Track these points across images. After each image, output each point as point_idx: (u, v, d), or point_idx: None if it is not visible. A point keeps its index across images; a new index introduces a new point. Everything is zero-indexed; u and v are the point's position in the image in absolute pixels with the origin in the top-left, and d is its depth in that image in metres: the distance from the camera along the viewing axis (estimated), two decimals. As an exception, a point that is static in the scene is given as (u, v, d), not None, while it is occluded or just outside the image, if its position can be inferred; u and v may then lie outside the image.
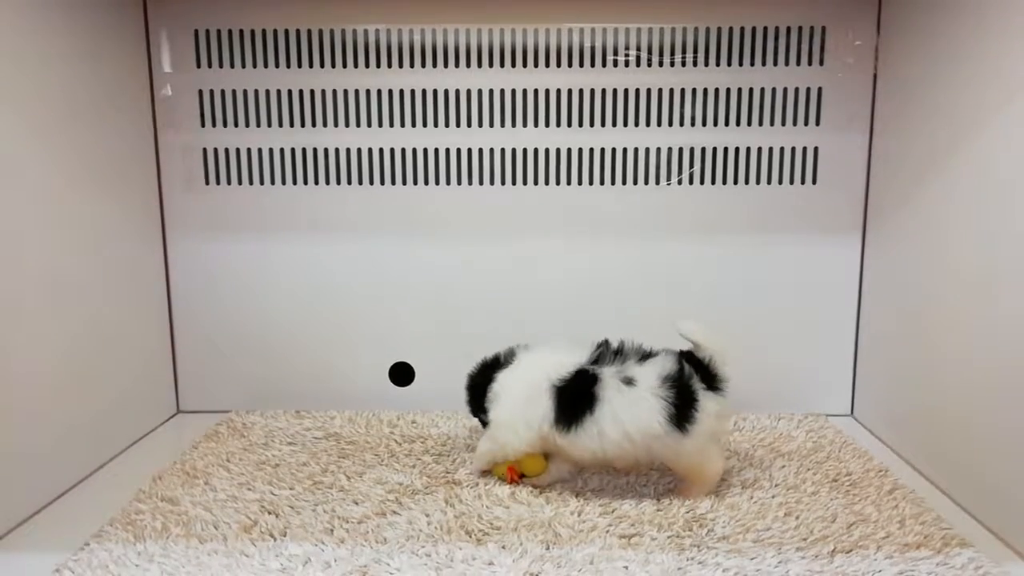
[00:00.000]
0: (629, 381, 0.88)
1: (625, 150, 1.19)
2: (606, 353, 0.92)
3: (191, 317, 1.24)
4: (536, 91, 1.17)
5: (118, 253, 1.09)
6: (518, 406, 0.92)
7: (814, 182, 1.19)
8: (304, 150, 1.19)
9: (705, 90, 1.17)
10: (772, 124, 1.17)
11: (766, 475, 0.97)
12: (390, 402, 1.25)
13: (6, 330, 0.84)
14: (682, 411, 0.87)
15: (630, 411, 0.86)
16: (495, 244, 1.22)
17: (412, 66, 1.17)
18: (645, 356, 0.91)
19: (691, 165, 1.19)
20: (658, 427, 0.86)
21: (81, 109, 1.00)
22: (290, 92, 1.17)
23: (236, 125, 1.19)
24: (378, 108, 1.18)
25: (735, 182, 1.19)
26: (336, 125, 1.19)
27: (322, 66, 1.17)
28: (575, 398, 0.88)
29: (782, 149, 1.18)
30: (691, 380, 0.89)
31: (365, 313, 1.24)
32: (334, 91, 1.18)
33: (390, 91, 1.17)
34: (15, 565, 0.78)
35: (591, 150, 1.19)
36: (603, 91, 1.17)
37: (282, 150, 1.19)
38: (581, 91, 1.17)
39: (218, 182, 1.20)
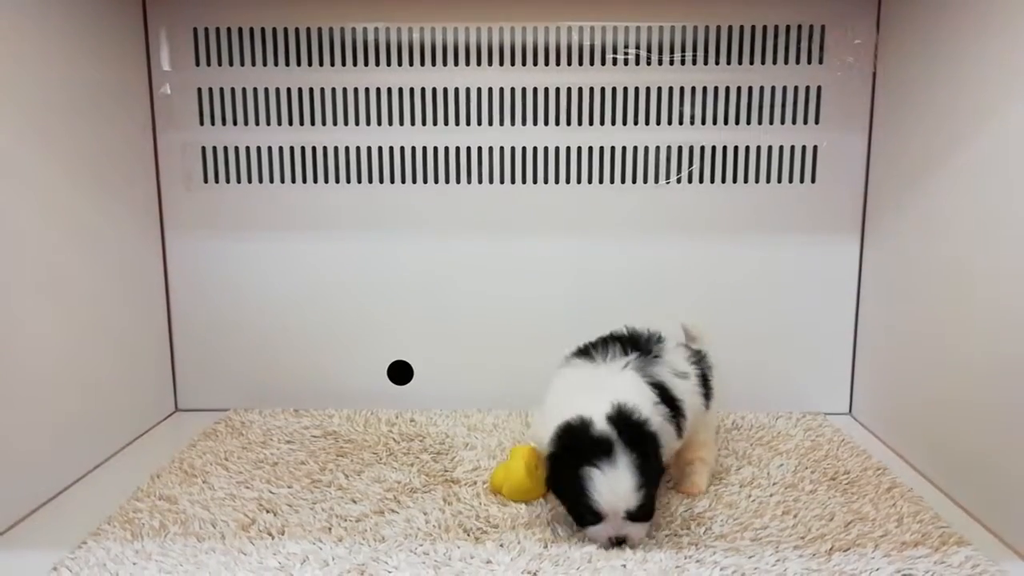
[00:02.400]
0: (683, 375, 0.90)
1: (624, 148, 1.19)
2: (640, 350, 0.89)
3: (189, 315, 1.24)
4: (535, 89, 1.17)
5: (116, 251, 1.09)
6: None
7: (813, 180, 1.19)
8: (303, 148, 1.19)
9: (704, 88, 1.17)
10: (771, 123, 1.17)
11: (764, 473, 0.98)
12: (389, 401, 1.25)
13: (4, 328, 0.84)
14: (707, 386, 0.94)
15: (691, 401, 0.89)
16: (495, 242, 1.22)
17: (411, 64, 1.17)
18: (657, 341, 0.93)
19: (690, 164, 1.19)
20: (703, 407, 0.93)
21: (80, 107, 0.99)
22: (289, 90, 1.17)
23: (235, 123, 1.19)
24: (377, 106, 1.18)
25: (734, 180, 1.19)
26: (335, 124, 1.19)
27: (321, 64, 1.17)
28: (675, 410, 0.86)
29: (781, 148, 1.18)
30: (700, 357, 0.97)
31: (364, 312, 1.24)
32: (333, 89, 1.17)
33: (389, 89, 1.17)
34: (13, 563, 0.78)
35: (590, 149, 1.19)
36: (602, 89, 1.17)
37: (281, 148, 1.19)
38: (580, 89, 1.17)
39: (217, 180, 1.20)
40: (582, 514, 0.78)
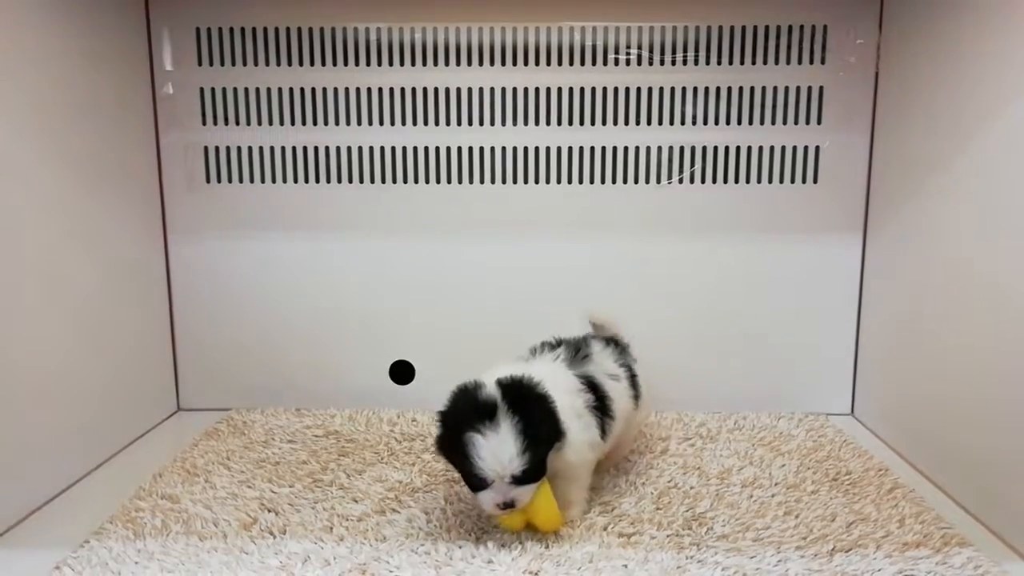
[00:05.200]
0: (614, 377, 0.90)
1: (626, 149, 1.19)
2: (571, 355, 0.90)
3: (192, 315, 1.24)
4: (538, 89, 1.17)
5: (119, 251, 1.09)
6: (578, 427, 0.82)
7: (815, 181, 1.19)
8: (305, 148, 1.19)
9: (706, 89, 1.17)
10: (773, 123, 1.17)
11: (766, 474, 0.97)
12: (390, 400, 1.25)
13: (6, 328, 0.85)
14: (634, 386, 0.94)
15: (621, 403, 0.90)
16: (496, 242, 1.22)
17: (414, 64, 1.17)
18: (586, 346, 0.93)
19: (692, 164, 1.19)
20: (632, 408, 0.93)
21: (82, 107, 1.00)
22: (291, 90, 1.18)
23: (237, 123, 1.19)
24: (379, 106, 1.18)
25: (736, 181, 1.19)
26: (337, 123, 1.19)
27: (323, 64, 1.17)
28: (603, 409, 0.86)
29: (783, 148, 1.18)
30: (627, 358, 0.97)
31: (366, 311, 1.24)
32: (335, 89, 1.18)
33: (391, 89, 1.18)
34: (15, 562, 0.78)
35: (592, 149, 1.19)
36: (604, 90, 1.17)
37: (283, 148, 1.19)
38: (583, 89, 1.17)
39: (219, 180, 1.20)
40: (470, 480, 0.77)
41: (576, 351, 0.90)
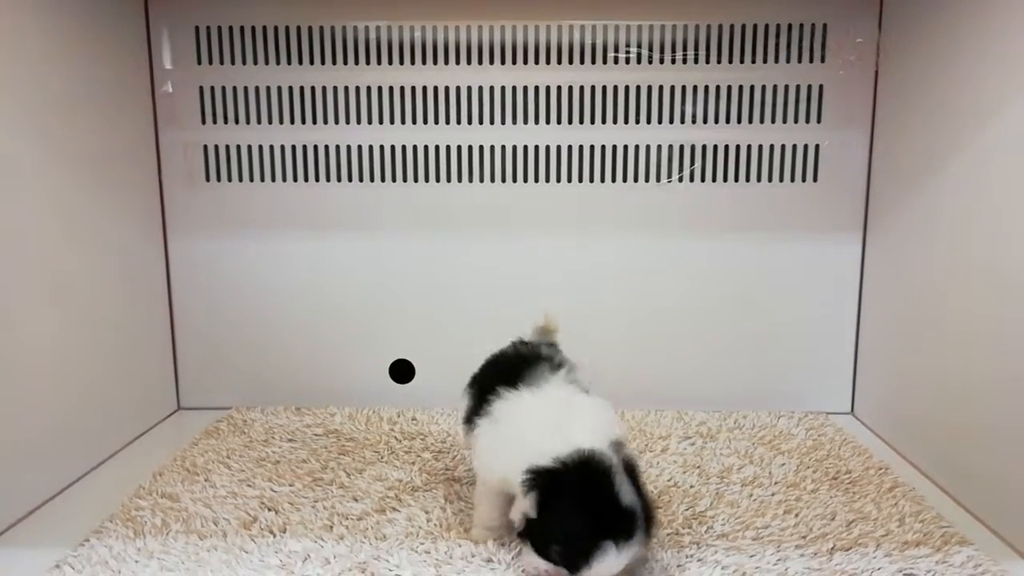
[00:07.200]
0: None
1: (626, 147, 1.18)
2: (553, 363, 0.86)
3: (192, 314, 1.24)
4: (537, 88, 1.17)
5: (119, 250, 1.09)
6: None
7: (815, 180, 1.18)
8: (305, 147, 1.19)
9: (706, 87, 1.16)
10: (773, 122, 1.17)
11: (766, 473, 0.97)
12: (390, 399, 1.25)
13: (6, 327, 0.85)
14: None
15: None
16: (496, 241, 1.22)
17: (413, 63, 1.17)
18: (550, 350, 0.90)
19: (692, 163, 1.19)
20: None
21: (82, 106, 1.00)
22: (291, 89, 1.17)
23: (237, 122, 1.19)
24: (379, 105, 1.18)
25: (736, 180, 1.19)
26: (337, 122, 1.19)
27: (323, 63, 1.17)
28: None
29: (783, 147, 1.18)
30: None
31: (366, 310, 1.24)
32: (335, 88, 1.17)
33: (391, 88, 1.17)
34: (15, 560, 0.78)
35: (591, 147, 1.19)
36: (604, 88, 1.17)
37: (283, 147, 1.19)
38: (583, 88, 1.17)
39: (219, 179, 1.20)
40: (544, 551, 0.68)
41: (559, 364, 0.86)
